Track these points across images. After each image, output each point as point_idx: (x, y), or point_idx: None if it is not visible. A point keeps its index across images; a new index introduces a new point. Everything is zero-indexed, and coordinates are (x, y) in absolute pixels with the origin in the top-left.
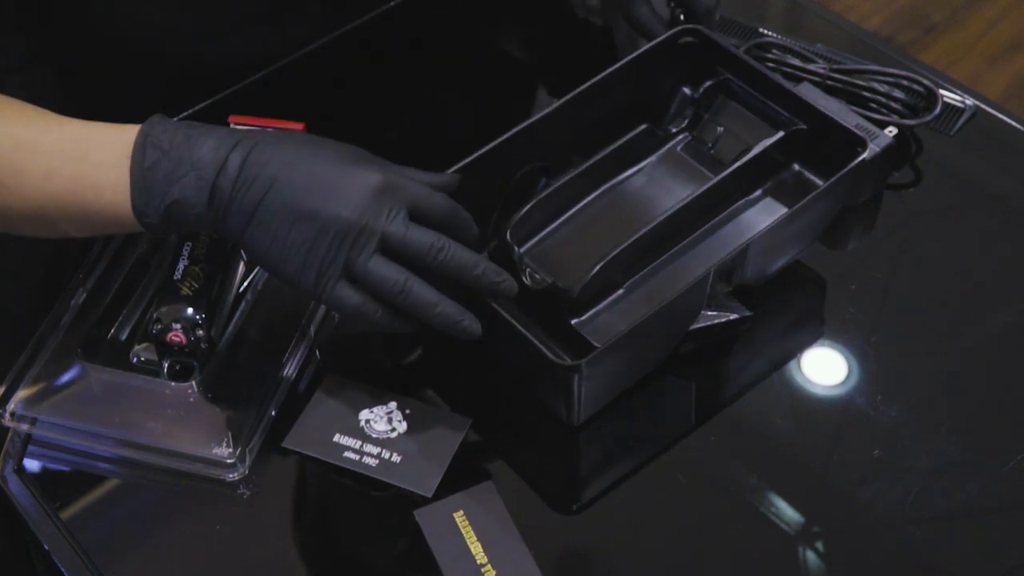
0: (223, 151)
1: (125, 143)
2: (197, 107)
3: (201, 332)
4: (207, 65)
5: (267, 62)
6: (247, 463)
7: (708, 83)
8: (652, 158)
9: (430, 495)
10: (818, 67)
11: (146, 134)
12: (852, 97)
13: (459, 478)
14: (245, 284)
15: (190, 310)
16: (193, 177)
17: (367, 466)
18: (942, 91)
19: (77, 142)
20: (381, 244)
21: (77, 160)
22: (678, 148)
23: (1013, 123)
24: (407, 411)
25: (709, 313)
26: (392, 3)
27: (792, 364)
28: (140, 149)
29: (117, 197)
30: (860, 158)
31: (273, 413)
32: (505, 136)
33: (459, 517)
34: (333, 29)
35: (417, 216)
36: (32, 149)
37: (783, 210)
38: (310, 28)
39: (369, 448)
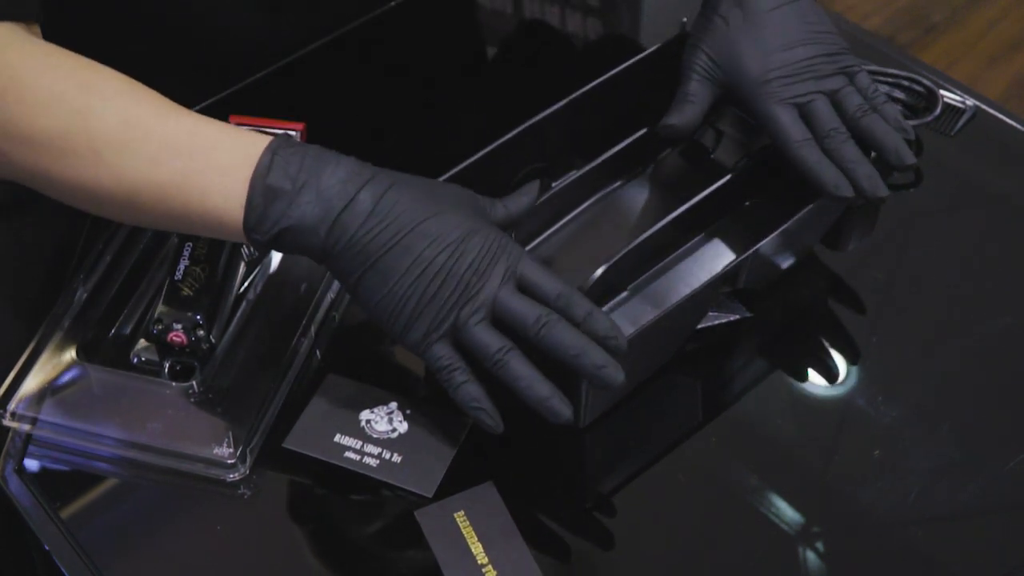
0: (353, 187)
1: (250, 153)
2: (197, 107)
3: (202, 332)
4: (209, 63)
5: (267, 62)
6: (248, 463)
7: None
8: (653, 163)
9: (431, 495)
10: None
11: (274, 150)
12: None
13: (460, 478)
14: (246, 284)
15: (191, 310)
16: (316, 206)
17: (368, 466)
18: (942, 91)
19: (195, 136)
20: (491, 309)
21: (192, 155)
22: (678, 153)
23: (1013, 123)
24: (408, 411)
25: (710, 314)
26: (393, 3)
27: (793, 364)
28: (266, 165)
29: (227, 204)
30: None
31: (274, 413)
32: (506, 137)
33: (460, 517)
34: (334, 28)
35: (525, 287)
36: (145, 131)
37: (785, 215)
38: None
39: (370, 448)
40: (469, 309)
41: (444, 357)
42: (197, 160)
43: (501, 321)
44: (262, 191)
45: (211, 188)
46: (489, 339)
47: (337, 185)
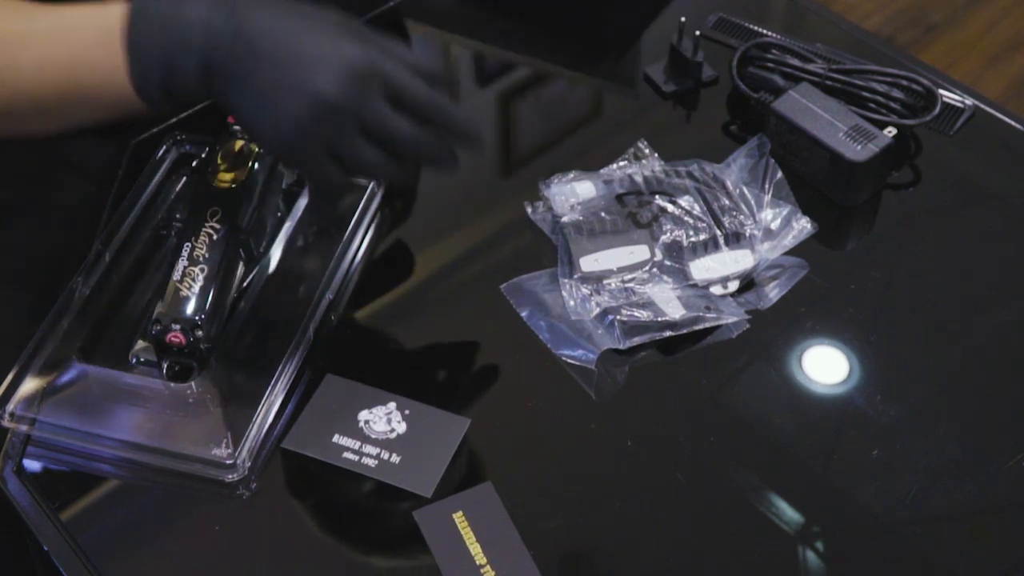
0: (214, 19)
1: (115, 17)
2: (196, 107)
3: (200, 333)
4: None
5: None
6: (246, 464)
7: None
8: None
9: (429, 496)
10: (817, 67)
11: (135, 6)
12: (851, 97)
13: (458, 479)
14: (244, 284)
15: (189, 311)
16: (183, 45)
17: (366, 467)
18: (941, 91)
19: (67, 27)
20: (362, 128)
21: (69, 43)
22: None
23: (1013, 123)
24: (406, 411)
25: (708, 316)
26: (392, 3)
27: (792, 364)
28: (131, 21)
29: (114, 76)
30: None
31: (272, 414)
32: None
33: (458, 518)
34: None
35: (399, 101)
36: (22, 41)
37: None
38: None
39: (368, 449)
40: (339, 129)
41: (328, 174)
42: (74, 46)
43: (375, 135)
44: (135, 46)
45: (96, 64)
46: (368, 156)
47: (198, 20)
